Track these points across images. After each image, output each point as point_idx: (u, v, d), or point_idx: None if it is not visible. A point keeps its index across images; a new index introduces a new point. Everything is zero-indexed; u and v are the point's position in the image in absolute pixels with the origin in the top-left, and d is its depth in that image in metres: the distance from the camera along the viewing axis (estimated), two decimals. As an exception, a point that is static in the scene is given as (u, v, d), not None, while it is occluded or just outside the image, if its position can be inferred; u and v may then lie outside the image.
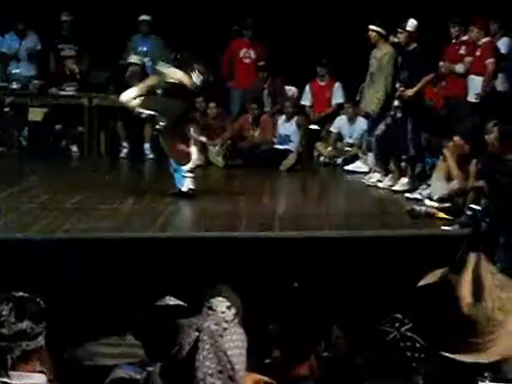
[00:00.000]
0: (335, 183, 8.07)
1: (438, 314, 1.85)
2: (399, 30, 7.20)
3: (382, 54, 7.39)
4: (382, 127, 7.39)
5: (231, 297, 2.52)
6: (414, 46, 7.22)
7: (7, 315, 2.03)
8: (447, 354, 1.77)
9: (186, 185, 6.58)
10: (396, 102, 7.26)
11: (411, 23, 7.18)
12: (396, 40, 7.44)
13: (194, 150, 6.74)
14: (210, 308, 2.37)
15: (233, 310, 2.41)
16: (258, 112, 9.10)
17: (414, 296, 2.06)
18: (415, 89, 7.12)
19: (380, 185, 7.45)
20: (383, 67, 7.36)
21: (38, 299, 2.12)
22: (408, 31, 7.17)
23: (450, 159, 6.37)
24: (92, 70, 9.60)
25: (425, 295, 1.96)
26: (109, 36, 9.21)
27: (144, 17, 9.42)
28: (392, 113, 7.28)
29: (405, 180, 7.21)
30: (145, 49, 9.45)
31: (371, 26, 7.41)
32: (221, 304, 2.40)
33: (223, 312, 2.36)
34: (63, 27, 9.57)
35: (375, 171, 7.71)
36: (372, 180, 7.61)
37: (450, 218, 5.86)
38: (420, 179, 7.15)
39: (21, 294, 2.10)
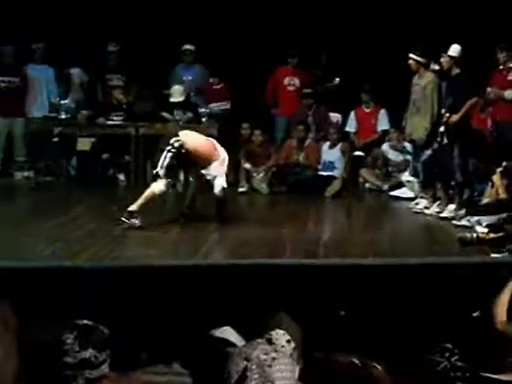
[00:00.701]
0: (381, 209, 8.00)
1: (479, 336, 1.82)
2: (442, 55, 7.17)
3: (425, 83, 7.40)
4: (428, 153, 7.37)
5: (291, 328, 2.41)
6: (457, 71, 7.18)
7: (71, 344, 2.02)
8: (488, 375, 1.74)
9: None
10: (442, 128, 7.21)
11: (454, 48, 7.16)
12: (437, 67, 7.45)
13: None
14: (269, 340, 2.27)
15: (292, 344, 2.31)
16: (304, 135, 9.12)
17: (463, 324, 2.03)
18: (460, 114, 7.07)
19: (427, 211, 7.37)
20: (428, 96, 7.36)
21: (101, 327, 2.11)
22: (451, 56, 7.14)
23: (500, 186, 6.27)
24: (138, 100, 9.77)
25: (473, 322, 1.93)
26: (154, 65, 9.38)
27: (187, 46, 9.57)
28: (438, 139, 7.22)
29: (452, 206, 7.12)
30: (190, 77, 9.59)
31: (411, 55, 7.44)
32: (281, 337, 2.28)
33: (283, 346, 2.25)
34: (110, 58, 9.78)
35: (422, 197, 7.63)
36: (419, 206, 7.54)
37: (501, 245, 5.76)
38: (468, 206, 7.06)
39: (85, 322, 2.09)
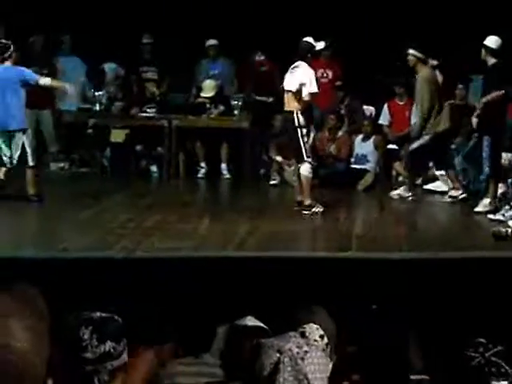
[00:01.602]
0: (414, 203, 7.92)
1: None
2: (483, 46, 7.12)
3: (420, 78, 7.65)
4: (414, 146, 7.70)
5: (325, 323, 2.39)
6: (493, 61, 7.09)
7: (89, 338, 2.00)
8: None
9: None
10: (474, 120, 7.24)
11: (490, 39, 7.11)
12: (435, 62, 7.74)
13: None
14: (303, 334, 2.25)
15: (325, 340, 2.29)
16: (335, 124, 9.07)
17: (501, 319, 2.00)
18: (477, 112, 7.15)
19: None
20: (420, 90, 7.65)
21: (115, 317, 2.10)
22: (485, 46, 7.08)
23: None
24: (171, 92, 9.80)
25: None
26: (186, 58, 9.40)
27: (211, 41, 9.57)
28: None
29: (487, 201, 7.04)
30: (216, 71, 9.59)
31: (410, 51, 7.65)
32: (314, 331, 2.27)
33: (316, 340, 2.25)
34: (144, 50, 9.82)
35: (454, 188, 7.65)
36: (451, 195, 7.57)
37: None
38: (503, 200, 6.97)
39: (98, 314, 2.08)
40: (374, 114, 9.61)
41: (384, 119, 9.48)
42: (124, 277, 4.68)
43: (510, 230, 5.90)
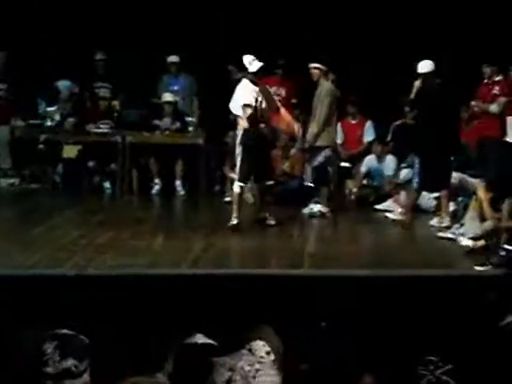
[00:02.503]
0: (365, 221, 8.00)
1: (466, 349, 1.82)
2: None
3: (320, 90, 7.82)
4: (320, 159, 7.87)
5: (272, 340, 2.43)
6: (418, 84, 7.31)
7: (52, 353, 2.01)
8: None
9: None
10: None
11: (422, 63, 7.32)
12: (334, 77, 7.99)
13: None
14: (250, 350, 2.29)
15: (272, 356, 2.33)
16: (289, 143, 9.13)
17: (451, 338, 2.04)
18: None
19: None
20: (319, 103, 7.80)
21: (81, 336, 2.10)
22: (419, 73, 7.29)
23: (484, 199, 6.32)
24: (125, 109, 9.75)
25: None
26: (141, 74, 9.37)
27: (172, 58, 9.60)
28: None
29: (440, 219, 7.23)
30: (176, 88, 9.60)
31: (313, 64, 7.83)
32: (261, 348, 2.31)
33: (262, 357, 2.28)
34: (98, 66, 9.77)
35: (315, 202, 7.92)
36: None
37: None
38: (453, 218, 7.11)
39: (64, 331, 2.08)
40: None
41: (337, 137, 9.59)
42: (76, 294, 4.63)
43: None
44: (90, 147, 9.29)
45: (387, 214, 7.73)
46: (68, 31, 9.58)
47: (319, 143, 7.87)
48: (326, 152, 7.86)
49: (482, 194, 6.37)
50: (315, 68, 7.83)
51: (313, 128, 7.85)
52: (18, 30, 9.46)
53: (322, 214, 7.85)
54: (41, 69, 9.38)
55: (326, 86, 7.84)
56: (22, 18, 9.58)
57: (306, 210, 7.93)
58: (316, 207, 7.91)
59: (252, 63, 7.13)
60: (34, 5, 9.64)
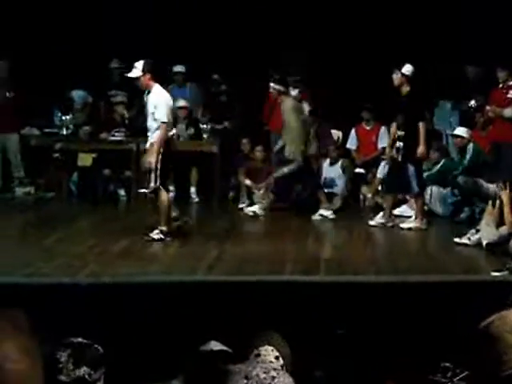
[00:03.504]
0: (379, 227, 7.97)
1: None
2: (395, 71, 7.39)
3: (285, 109, 8.09)
4: (284, 171, 8.06)
5: (280, 346, 2.45)
6: (407, 89, 7.41)
7: (66, 362, 2.01)
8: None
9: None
10: (398, 144, 7.55)
11: (407, 67, 7.44)
12: (295, 92, 8.40)
13: None
14: (258, 355, 2.30)
15: (281, 361, 2.33)
16: None
17: (464, 344, 2.01)
18: (422, 144, 7.40)
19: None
20: (288, 121, 8.06)
21: (96, 345, 2.10)
22: (403, 74, 7.39)
23: (506, 203, 6.27)
24: (140, 116, 9.78)
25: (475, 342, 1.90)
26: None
27: (178, 68, 9.63)
28: (394, 155, 7.64)
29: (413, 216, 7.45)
30: (182, 97, 9.63)
31: (271, 84, 8.12)
32: (270, 353, 2.32)
33: (271, 362, 2.28)
34: (113, 74, 9.81)
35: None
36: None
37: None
38: (469, 224, 7.06)
39: (79, 340, 2.09)
40: (341, 138, 9.70)
41: (352, 143, 9.59)
42: (90, 303, 4.63)
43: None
44: (104, 155, 9.33)
45: (401, 225, 7.66)
46: (82, 40, 9.63)
47: (289, 156, 8.04)
48: (291, 166, 8.00)
49: (505, 197, 6.31)
50: (273, 89, 8.12)
51: (290, 145, 8.04)
52: (32, 39, 9.51)
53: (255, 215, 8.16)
54: (55, 78, 9.43)
55: (287, 104, 8.10)
56: (37, 26, 9.64)
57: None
58: (253, 207, 8.25)
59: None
60: (48, 13, 9.70)
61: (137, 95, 9.66)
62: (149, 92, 6.80)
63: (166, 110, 6.67)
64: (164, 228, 6.66)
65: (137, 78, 6.78)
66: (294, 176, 8.15)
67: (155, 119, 6.67)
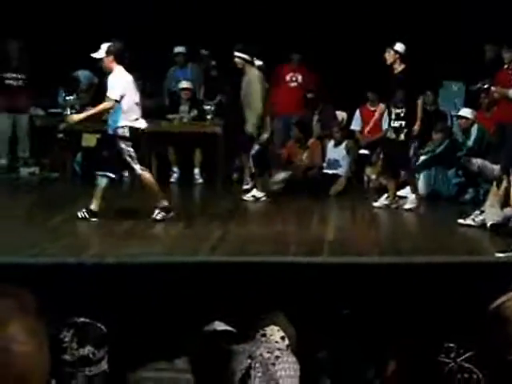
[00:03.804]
0: (383, 208, 7.96)
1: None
2: (387, 49, 7.26)
3: (249, 79, 7.70)
4: (256, 147, 7.91)
5: (285, 326, 2.45)
6: (402, 67, 7.37)
7: (69, 341, 2.02)
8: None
9: None
10: (396, 123, 7.47)
11: (399, 45, 7.42)
12: (260, 62, 7.89)
13: None
14: (264, 336, 2.30)
15: (286, 341, 2.34)
16: (303, 135, 9.11)
17: (468, 324, 2.01)
18: (418, 122, 7.43)
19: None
20: (252, 92, 7.68)
21: (99, 324, 2.11)
22: (396, 51, 7.38)
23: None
24: (144, 97, 9.75)
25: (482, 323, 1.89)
26: (155, 64, 9.38)
27: (179, 48, 9.59)
28: (393, 134, 7.57)
29: (412, 196, 7.36)
30: (184, 78, 9.60)
31: (235, 53, 7.70)
32: (275, 333, 2.32)
33: (277, 342, 2.28)
34: None
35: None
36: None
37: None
38: (474, 205, 7.06)
39: (82, 319, 2.09)
40: (345, 119, 9.66)
41: (356, 124, 9.56)
42: (95, 283, 4.64)
43: None
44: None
45: (373, 203, 7.72)
46: (87, 21, 9.59)
47: (250, 130, 7.84)
48: (261, 139, 7.89)
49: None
50: (238, 57, 7.73)
51: (251, 118, 7.80)
52: (38, 19, 9.48)
53: (256, 199, 7.96)
54: (61, 58, 9.40)
55: (253, 74, 7.75)
56: (43, 6, 9.60)
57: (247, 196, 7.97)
58: (253, 192, 8.05)
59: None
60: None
61: (139, 78, 9.67)
62: (109, 73, 6.66)
63: (122, 91, 6.53)
64: (162, 204, 6.59)
65: (100, 59, 6.64)
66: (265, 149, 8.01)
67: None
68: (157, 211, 6.58)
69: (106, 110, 6.53)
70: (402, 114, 7.44)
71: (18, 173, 9.23)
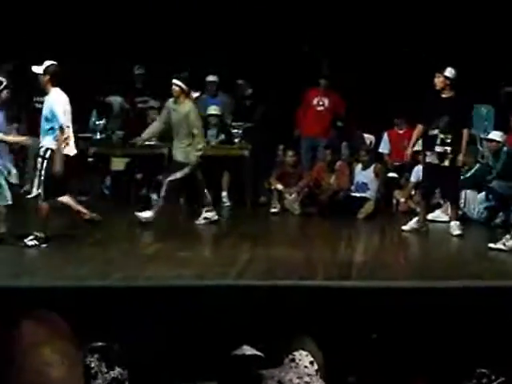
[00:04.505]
0: (412, 232, 7.90)
1: None
2: (437, 74, 7.20)
3: (186, 111, 7.56)
4: (178, 175, 7.61)
5: (314, 351, 2.44)
6: (452, 93, 7.28)
7: (98, 366, 2.02)
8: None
9: None
10: (440, 149, 7.33)
11: (449, 70, 7.28)
12: (197, 94, 7.99)
13: None
14: (292, 360, 2.29)
15: (315, 366, 2.32)
16: (333, 158, 9.11)
17: (501, 350, 1.99)
18: (463, 152, 7.34)
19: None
20: (191, 123, 7.57)
21: (113, 346, 2.11)
22: (446, 77, 7.25)
23: None
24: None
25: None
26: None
27: (211, 78, 9.67)
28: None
29: (457, 222, 7.29)
30: (215, 106, 9.66)
31: (174, 81, 7.57)
32: (304, 358, 2.31)
33: (306, 367, 2.27)
34: (137, 80, 9.95)
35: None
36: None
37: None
38: (505, 229, 6.98)
39: (100, 344, 2.09)
40: (374, 142, 9.65)
41: (384, 147, 9.54)
42: (124, 306, 4.66)
43: None
44: (137, 159, 9.40)
45: (403, 227, 7.62)
46: (118, 45, 9.73)
47: (184, 159, 7.70)
48: (186, 170, 7.71)
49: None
50: (176, 85, 7.61)
51: (196, 146, 7.67)
52: (66, 42, 9.63)
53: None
54: (92, 84, 9.54)
55: (188, 105, 7.64)
56: (73, 29, 9.77)
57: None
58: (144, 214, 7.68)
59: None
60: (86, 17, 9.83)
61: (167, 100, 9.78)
62: (47, 94, 6.68)
63: (61, 114, 6.51)
64: (39, 234, 6.50)
65: (38, 75, 6.66)
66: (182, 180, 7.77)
67: (47, 121, 6.53)
68: (31, 237, 6.46)
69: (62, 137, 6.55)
70: (449, 140, 7.32)
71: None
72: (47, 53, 9.20)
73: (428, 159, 7.50)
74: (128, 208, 8.85)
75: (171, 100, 7.76)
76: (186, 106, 7.64)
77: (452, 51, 8.80)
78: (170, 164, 7.92)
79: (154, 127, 8.10)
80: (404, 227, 7.63)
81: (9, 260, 6.19)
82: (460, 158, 7.31)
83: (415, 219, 7.65)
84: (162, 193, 7.77)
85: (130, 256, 6.19)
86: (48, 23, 9.67)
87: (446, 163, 7.34)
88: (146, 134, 8.15)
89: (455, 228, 7.38)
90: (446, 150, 7.30)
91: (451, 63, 7.47)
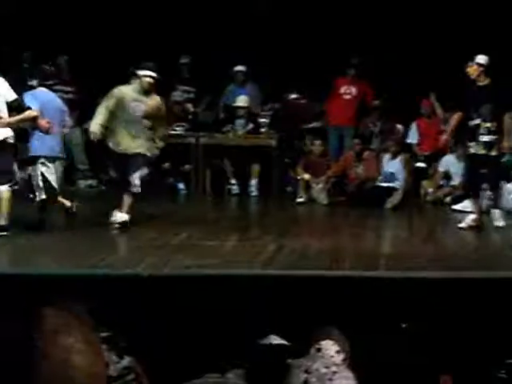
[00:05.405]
0: (441, 222, 7.84)
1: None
2: (469, 64, 7.08)
3: (155, 104, 7.10)
4: (145, 171, 7.25)
5: (340, 340, 2.43)
6: (487, 81, 7.10)
7: (108, 356, 2.00)
8: None
9: None
10: (486, 138, 7.13)
11: (481, 57, 7.09)
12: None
13: None
14: (319, 350, 2.28)
15: (342, 355, 2.31)
16: (361, 148, 9.05)
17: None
18: (506, 137, 7.12)
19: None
20: (159, 116, 7.17)
21: (116, 334, 2.10)
22: (479, 64, 7.06)
23: None
24: (206, 111, 9.92)
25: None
26: (213, 78, 9.47)
27: (239, 67, 9.64)
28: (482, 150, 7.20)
29: (499, 212, 7.15)
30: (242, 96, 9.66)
31: (152, 73, 7.05)
32: (330, 347, 2.30)
33: (332, 356, 2.26)
34: (182, 69, 9.94)
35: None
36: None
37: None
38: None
39: (105, 334, 2.07)
40: (402, 132, 9.57)
41: (413, 138, 9.45)
42: (150, 294, 4.68)
43: None
44: (164, 149, 9.41)
45: (459, 225, 7.38)
46: (138, 37, 9.75)
47: (152, 152, 7.38)
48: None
49: None
50: (151, 77, 7.04)
51: (156, 139, 7.36)
52: (87, 34, 9.68)
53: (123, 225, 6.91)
54: (117, 71, 9.57)
55: (158, 100, 7.17)
56: (92, 23, 9.82)
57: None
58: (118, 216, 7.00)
59: None
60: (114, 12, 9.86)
61: (205, 91, 9.80)
62: None
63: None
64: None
65: None
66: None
67: None
68: None
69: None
70: (493, 129, 7.13)
71: (75, 185, 9.40)
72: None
73: (472, 150, 7.21)
74: (154, 197, 8.89)
75: (134, 90, 7.10)
76: (156, 98, 7.18)
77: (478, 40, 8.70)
78: (126, 158, 7.29)
79: (104, 114, 7.22)
80: (460, 225, 7.34)
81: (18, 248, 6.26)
82: (505, 144, 7.15)
83: (471, 216, 7.31)
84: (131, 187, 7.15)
85: (157, 245, 6.20)
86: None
87: (494, 152, 7.16)
88: (98, 120, 7.27)
89: (498, 217, 7.25)
90: (491, 138, 7.13)
91: (480, 51, 7.34)
